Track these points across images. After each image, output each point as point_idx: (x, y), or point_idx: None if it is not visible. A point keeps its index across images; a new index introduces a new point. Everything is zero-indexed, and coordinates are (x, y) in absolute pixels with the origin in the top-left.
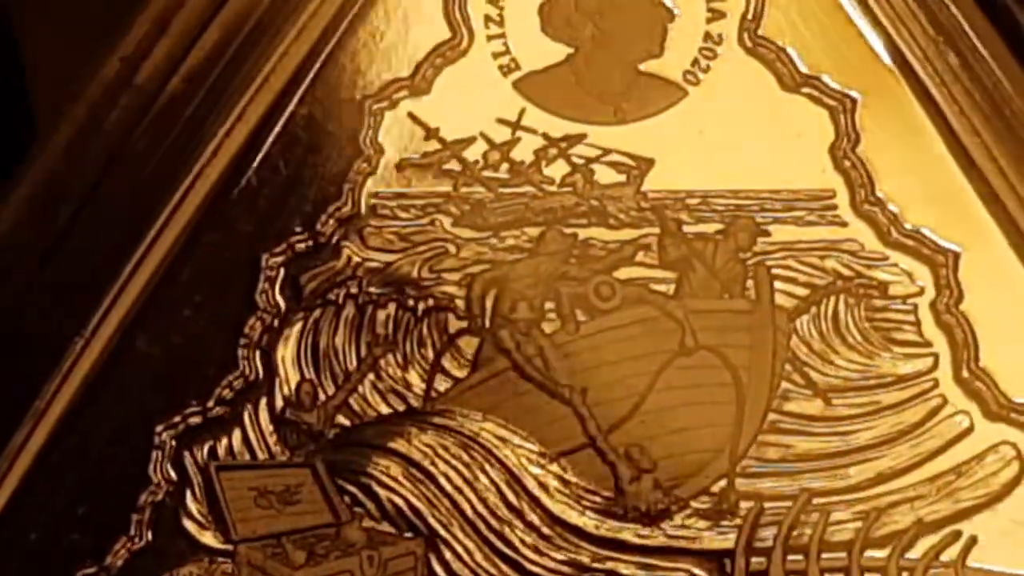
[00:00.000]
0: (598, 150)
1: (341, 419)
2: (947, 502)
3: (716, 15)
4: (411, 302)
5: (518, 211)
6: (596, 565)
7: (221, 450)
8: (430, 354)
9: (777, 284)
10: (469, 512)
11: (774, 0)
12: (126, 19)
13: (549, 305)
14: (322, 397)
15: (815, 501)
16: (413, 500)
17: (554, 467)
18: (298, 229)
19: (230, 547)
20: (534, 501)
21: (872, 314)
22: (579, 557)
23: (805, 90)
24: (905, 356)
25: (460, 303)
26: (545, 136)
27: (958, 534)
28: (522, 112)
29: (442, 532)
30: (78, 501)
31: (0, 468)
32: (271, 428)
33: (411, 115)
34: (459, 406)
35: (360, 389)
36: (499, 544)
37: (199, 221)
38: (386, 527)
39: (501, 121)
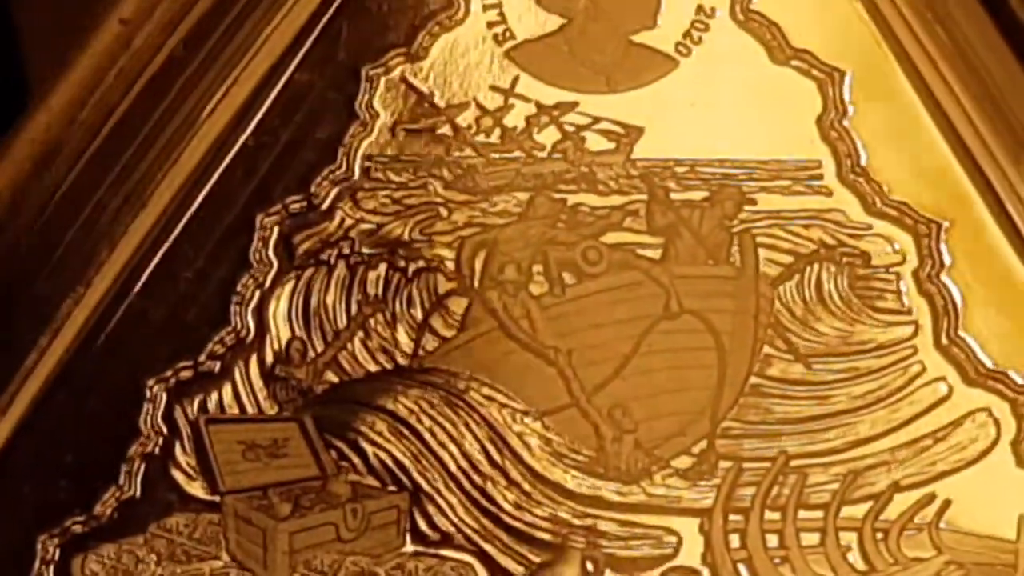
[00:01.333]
0: (589, 118)
1: (330, 376)
2: (923, 466)
3: None
4: (402, 263)
5: (509, 176)
6: (576, 521)
7: (211, 404)
8: (419, 314)
9: (762, 251)
10: (453, 468)
11: None
12: None
13: (537, 268)
14: (312, 354)
15: (793, 463)
16: (398, 455)
17: (537, 426)
18: (293, 190)
19: (217, 498)
20: (517, 458)
21: (855, 282)
22: (560, 514)
23: (795, 63)
24: (886, 323)
25: (450, 265)
26: (537, 104)
27: (933, 497)
28: (515, 80)
29: (426, 487)
30: (69, 452)
31: None
32: (261, 383)
33: (407, 81)
34: (446, 365)
35: (349, 347)
36: (481, 500)
37: (196, 181)
38: (371, 481)
39: (495, 88)
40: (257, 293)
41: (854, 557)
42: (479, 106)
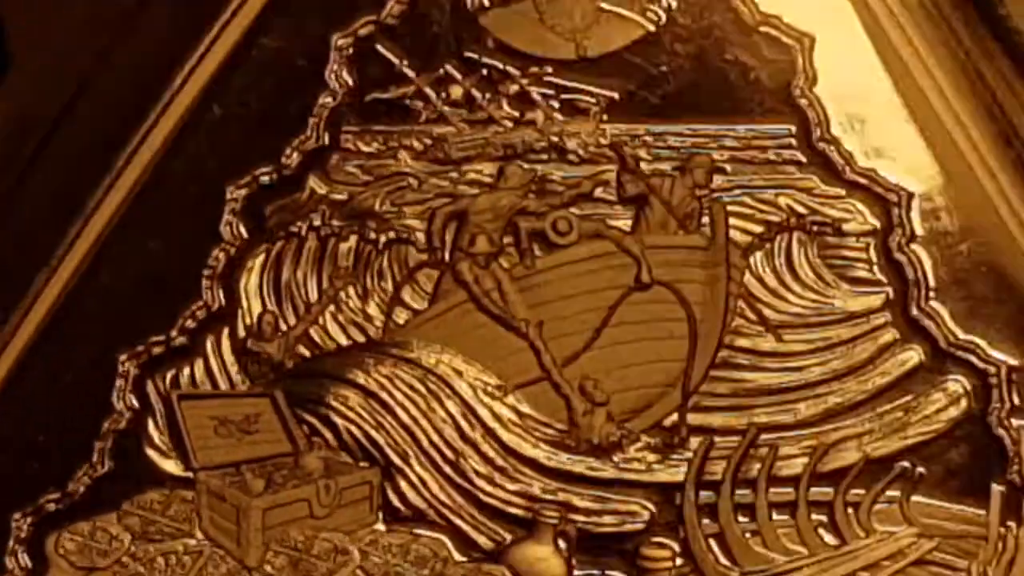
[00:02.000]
0: (559, 86)
1: (301, 350)
2: (894, 438)
3: None
4: (372, 235)
5: (479, 146)
6: (548, 496)
7: (183, 379)
8: (390, 286)
9: (732, 221)
10: (425, 443)
11: None
12: None
13: (508, 239)
14: (283, 328)
15: (764, 436)
16: (370, 430)
17: (509, 399)
18: (263, 161)
19: (190, 475)
20: (489, 433)
21: (825, 251)
22: (531, 489)
23: (764, 29)
24: (857, 293)
25: (421, 236)
26: (507, 72)
27: (904, 469)
28: (485, 47)
29: (398, 462)
30: (42, 429)
31: None
32: (232, 358)
33: (377, 50)
34: (417, 338)
35: (320, 320)
36: (453, 475)
37: (166, 153)
38: (343, 457)
39: (464, 57)
40: (228, 266)
41: (825, 530)
42: (448, 75)
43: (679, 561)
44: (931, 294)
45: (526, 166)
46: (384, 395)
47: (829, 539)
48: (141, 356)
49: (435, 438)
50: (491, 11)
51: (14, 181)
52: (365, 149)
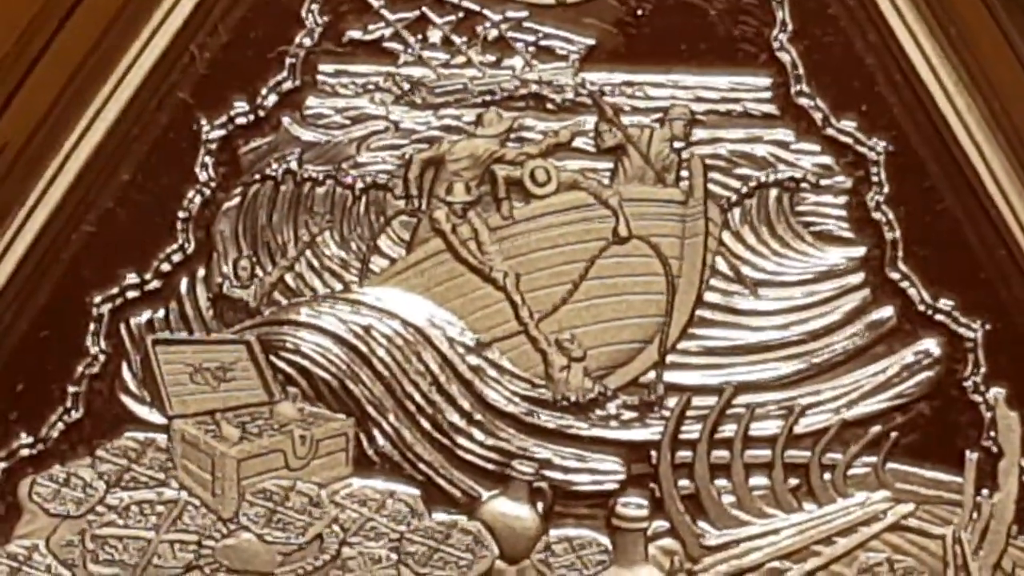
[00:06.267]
0: (538, 33)
1: (277, 296)
2: (870, 401)
3: None
4: (349, 180)
5: (457, 91)
6: (524, 452)
7: (158, 324)
8: (367, 233)
9: (710, 174)
10: (400, 394)
11: None
12: None
13: (485, 188)
14: (259, 274)
15: (740, 395)
16: (346, 380)
17: (486, 353)
18: (239, 102)
19: (164, 422)
20: (465, 386)
21: (802, 208)
22: (507, 444)
23: None
24: (833, 251)
25: (397, 182)
26: (486, 17)
27: (879, 434)
28: None
29: (373, 414)
30: (15, 373)
31: None
32: (208, 304)
33: None
34: (394, 287)
35: (297, 267)
36: (429, 427)
37: (142, 93)
38: (319, 407)
39: (443, 1)
40: (204, 209)
41: (801, 493)
42: (427, 18)
43: (654, 521)
44: (908, 254)
45: (504, 114)
46: (361, 345)
47: (804, 502)
48: (115, 300)
49: (411, 389)
50: None
51: None
52: (342, 92)
